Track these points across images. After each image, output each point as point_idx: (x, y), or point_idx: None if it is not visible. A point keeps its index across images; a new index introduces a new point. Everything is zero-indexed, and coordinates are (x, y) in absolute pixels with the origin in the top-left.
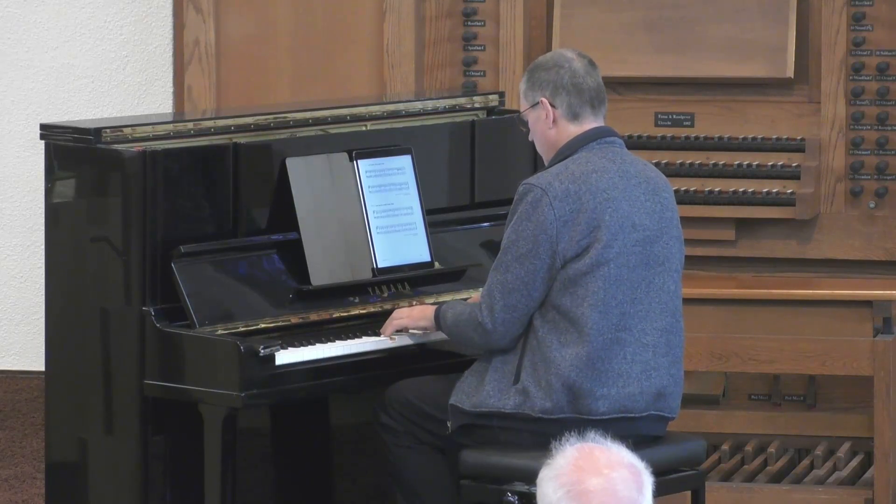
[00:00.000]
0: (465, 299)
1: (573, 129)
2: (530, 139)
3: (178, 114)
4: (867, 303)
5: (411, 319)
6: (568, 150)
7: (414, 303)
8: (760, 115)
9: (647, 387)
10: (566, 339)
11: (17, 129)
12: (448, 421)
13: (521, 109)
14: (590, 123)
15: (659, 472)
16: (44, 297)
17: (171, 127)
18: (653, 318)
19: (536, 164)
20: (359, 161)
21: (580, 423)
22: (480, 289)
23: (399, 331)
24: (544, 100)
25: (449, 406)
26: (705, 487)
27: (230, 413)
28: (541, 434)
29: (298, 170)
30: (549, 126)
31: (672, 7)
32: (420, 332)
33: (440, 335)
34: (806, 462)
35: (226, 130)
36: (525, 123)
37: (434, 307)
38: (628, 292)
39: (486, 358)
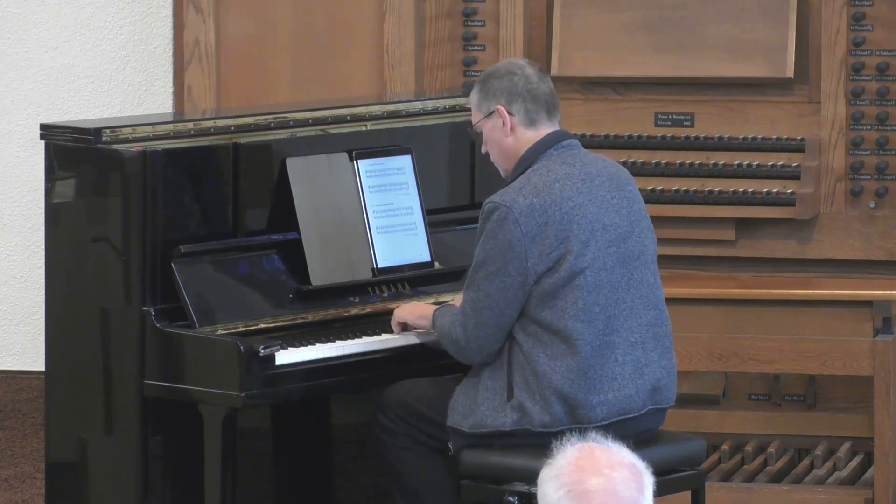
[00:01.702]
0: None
1: (530, 136)
2: (484, 151)
3: (178, 114)
4: (867, 303)
5: (413, 317)
6: (527, 161)
7: (414, 302)
8: (760, 115)
9: (642, 384)
10: (553, 351)
11: (17, 129)
12: (450, 442)
13: (475, 121)
14: (546, 129)
15: (659, 472)
16: (44, 297)
17: (171, 127)
18: (637, 314)
19: None
20: (359, 161)
21: (581, 431)
22: None
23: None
24: (500, 107)
25: (448, 428)
26: (705, 487)
27: (230, 413)
28: (542, 445)
29: (298, 170)
30: (506, 134)
31: (672, 7)
32: (422, 330)
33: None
34: (806, 462)
35: (226, 130)
36: (479, 135)
37: (434, 308)
38: (610, 294)
39: (474, 375)
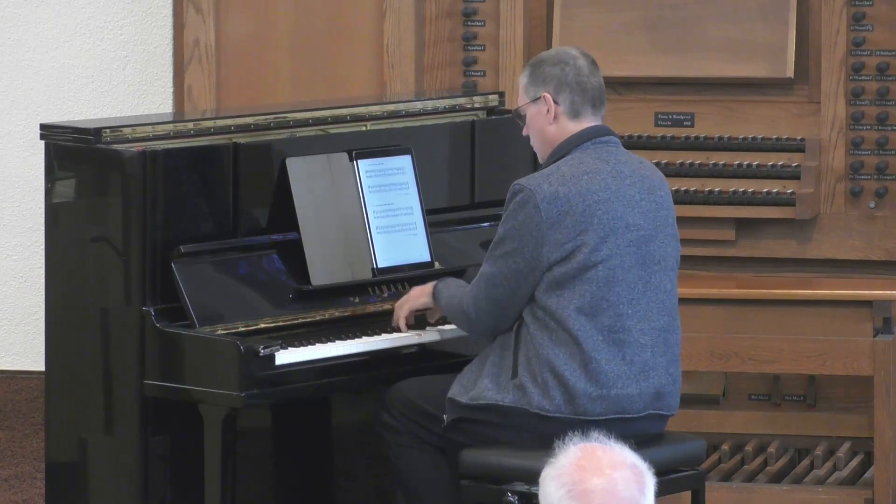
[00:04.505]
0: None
1: (572, 127)
2: (525, 133)
3: (178, 114)
4: (867, 303)
5: (410, 301)
6: (562, 151)
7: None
8: (760, 115)
9: (646, 387)
10: (557, 338)
11: (17, 129)
12: (444, 414)
13: (521, 103)
14: (589, 122)
15: (659, 472)
16: (44, 297)
17: (171, 127)
18: (651, 317)
19: (535, 164)
20: (359, 161)
21: (578, 423)
22: None
23: (409, 319)
24: (548, 95)
25: (446, 400)
26: (705, 487)
27: (230, 413)
28: (538, 432)
29: (298, 170)
30: (549, 122)
31: (672, 7)
32: (426, 312)
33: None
34: (806, 462)
35: (226, 130)
36: (522, 117)
37: (432, 284)
38: (624, 293)
39: (485, 353)
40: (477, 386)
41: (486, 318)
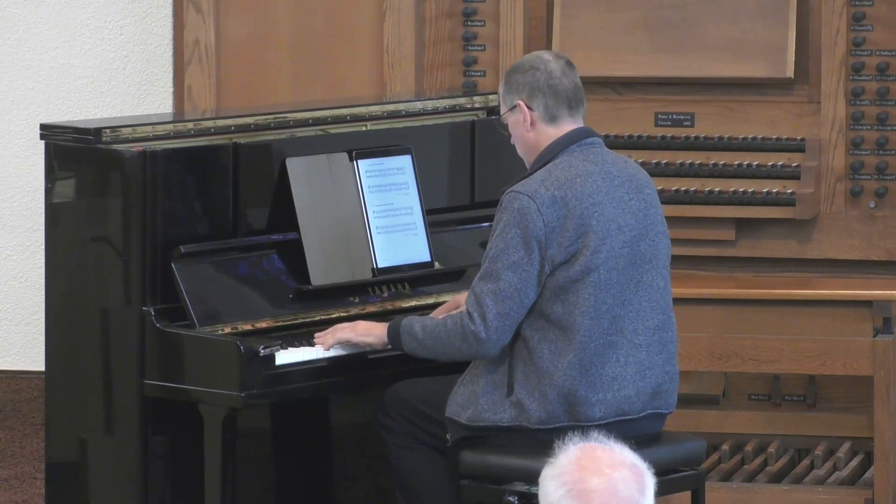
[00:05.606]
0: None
1: (552, 132)
2: (512, 143)
3: (178, 114)
4: (867, 303)
5: (355, 334)
6: (549, 155)
7: (413, 303)
8: (760, 115)
9: (643, 387)
10: (557, 347)
11: (17, 129)
12: (447, 433)
13: (501, 113)
14: (568, 125)
15: (659, 472)
16: (44, 297)
17: (171, 127)
18: (644, 317)
19: None
20: (359, 161)
21: (578, 429)
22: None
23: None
24: (521, 102)
25: (445, 419)
26: (705, 487)
27: (230, 413)
28: (540, 441)
29: (298, 170)
30: (527, 129)
31: (672, 7)
32: (364, 346)
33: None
34: (806, 462)
35: (226, 130)
36: (505, 127)
37: (382, 325)
38: (618, 295)
39: (476, 369)
40: (474, 406)
41: (497, 336)
